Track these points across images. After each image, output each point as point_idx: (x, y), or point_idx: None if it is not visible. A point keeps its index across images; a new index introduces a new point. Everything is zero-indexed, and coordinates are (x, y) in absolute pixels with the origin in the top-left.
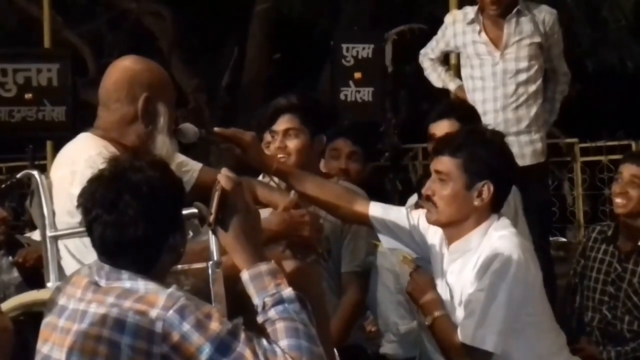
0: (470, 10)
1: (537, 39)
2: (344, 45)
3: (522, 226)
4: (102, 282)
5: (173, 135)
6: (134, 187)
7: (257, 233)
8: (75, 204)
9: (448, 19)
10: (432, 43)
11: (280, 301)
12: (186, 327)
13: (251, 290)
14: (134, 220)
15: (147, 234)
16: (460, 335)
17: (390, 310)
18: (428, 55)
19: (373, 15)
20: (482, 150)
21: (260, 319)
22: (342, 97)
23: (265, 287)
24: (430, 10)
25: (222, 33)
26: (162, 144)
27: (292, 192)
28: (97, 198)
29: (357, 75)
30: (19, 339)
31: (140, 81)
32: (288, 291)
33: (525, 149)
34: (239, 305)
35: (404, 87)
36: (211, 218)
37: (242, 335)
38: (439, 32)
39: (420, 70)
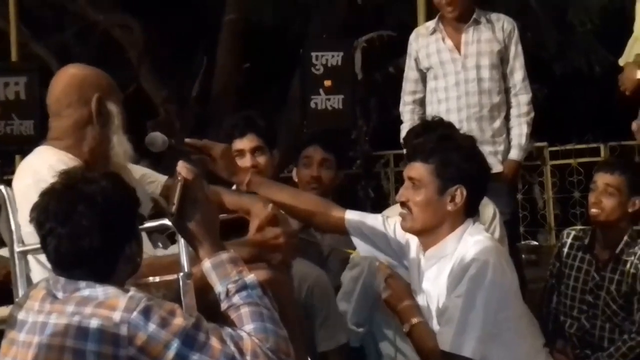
0: (431, 23)
1: (497, 47)
2: (314, 54)
3: (500, 232)
4: (60, 295)
5: (127, 134)
6: (88, 197)
7: (216, 224)
8: None
9: (412, 36)
10: (404, 86)
11: (243, 287)
12: (152, 327)
13: (213, 278)
14: (89, 231)
15: (102, 245)
16: (439, 343)
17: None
18: (406, 104)
19: (342, 24)
20: (454, 155)
21: (224, 305)
22: (312, 105)
23: (228, 274)
24: (399, 18)
25: (191, 43)
26: (119, 144)
27: (270, 205)
28: (50, 211)
29: (327, 83)
30: None
31: (90, 83)
32: (250, 277)
33: (490, 159)
34: (210, 315)
35: (374, 94)
36: (173, 208)
37: (207, 326)
38: (407, 61)
39: (389, 77)
